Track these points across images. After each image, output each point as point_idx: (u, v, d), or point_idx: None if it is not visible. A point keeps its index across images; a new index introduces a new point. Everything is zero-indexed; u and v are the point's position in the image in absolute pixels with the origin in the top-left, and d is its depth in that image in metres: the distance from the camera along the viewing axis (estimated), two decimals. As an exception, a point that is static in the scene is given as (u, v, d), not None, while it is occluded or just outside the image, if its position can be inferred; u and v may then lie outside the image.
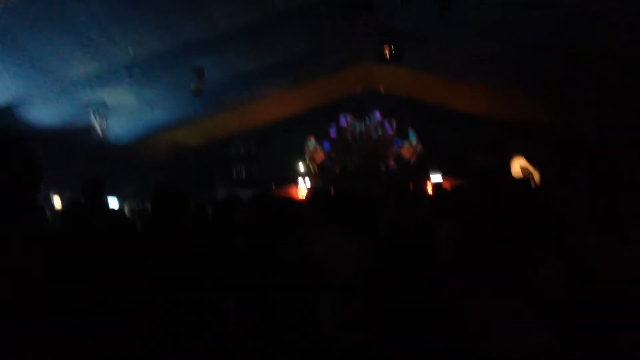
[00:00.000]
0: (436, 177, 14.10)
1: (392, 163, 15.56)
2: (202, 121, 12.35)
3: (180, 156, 13.78)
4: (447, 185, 12.66)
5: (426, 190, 12.36)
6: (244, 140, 15.35)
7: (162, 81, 8.89)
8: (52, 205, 8.80)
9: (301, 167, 15.42)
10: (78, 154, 9.90)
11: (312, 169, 15.49)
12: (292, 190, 14.24)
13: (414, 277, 3.09)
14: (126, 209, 9.57)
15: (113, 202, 9.99)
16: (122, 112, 9.63)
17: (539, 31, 7.70)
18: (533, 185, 9.28)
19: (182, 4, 6.69)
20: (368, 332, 2.89)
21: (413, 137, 15.42)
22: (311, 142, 15.69)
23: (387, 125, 15.72)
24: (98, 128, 8.86)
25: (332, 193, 6.97)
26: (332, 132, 15.90)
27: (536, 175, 12.10)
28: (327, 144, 15.86)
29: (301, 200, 10.07)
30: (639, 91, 8.41)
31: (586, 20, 7.00)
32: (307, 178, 14.87)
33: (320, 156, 15.72)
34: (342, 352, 2.85)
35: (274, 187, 14.14)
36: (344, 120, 15.87)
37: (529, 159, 12.82)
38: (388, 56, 9.41)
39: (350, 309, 2.93)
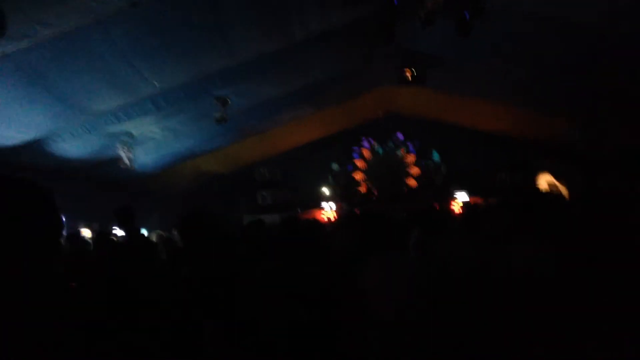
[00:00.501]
0: (462, 196, 13.98)
1: (415, 184, 15.50)
2: (226, 148, 12.49)
3: (206, 184, 13.94)
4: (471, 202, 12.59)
5: (452, 210, 12.30)
6: (269, 166, 15.47)
7: (187, 111, 9.01)
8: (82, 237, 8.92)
9: (325, 191, 15.44)
10: (106, 185, 10.08)
11: (336, 193, 15.50)
12: (317, 214, 14.24)
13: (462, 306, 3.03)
14: (154, 237, 9.66)
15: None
16: (147, 142, 9.78)
17: (561, 52, 7.66)
18: (564, 199, 9.15)
19: (204, 36, 6.81)
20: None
21: (437, 157, 15.37)
22: (335, 166, 15.74)
23: (410, 147, 15.71)
24: (125, 159, 8.99)
25: (358, 214, 6.93)
26: (356, 155, 15.95)
27: (564, 191, 11.93)
28: (350, 167, 15.90)
29: (328, 223, 10.10)
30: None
31: (608, 43, 6.96)
32: (331, 202, 14.86)
33: (344, 179, 15.75)
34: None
35: (299, 212, 14.17)
36: (367, 143, 15.92)
37: (554, 176, 12.67)
38: (410, 79, 9.44)
39: (397, 342, 2.88)
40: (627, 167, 9.80)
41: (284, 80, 9.25)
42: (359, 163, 16.00)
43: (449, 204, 13.50)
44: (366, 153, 15.99)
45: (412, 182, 15.60)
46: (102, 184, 10.17)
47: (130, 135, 8.99)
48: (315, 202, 15.05)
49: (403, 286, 3.00)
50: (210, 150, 12.02)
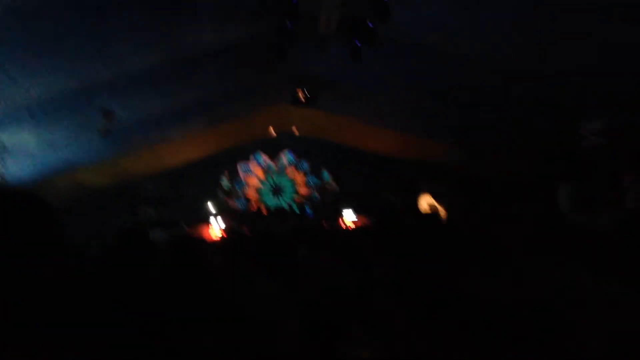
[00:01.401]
0: (349, 215, 14.31)
1: (305, 202, 15.68)
2: (110, 162, 11.89)
3: (86, 198, 13.15)
4: (359, 223, 12.94)
5: (340, 227, 12.57)
6: (156, 181, 14.90)
7: (67, 122, 8.47)
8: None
9: (213, 207, 15.15)
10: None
11: (225, 209, 15.27)
12: (204, 230, 13.94)
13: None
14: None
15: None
16: (22, 154, 9.08)
17: (443, 81, 8.13)
18: (440, 221, 9.62)
19: (88, 43, 6.46)
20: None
21: (327, 177, 15.65)
22: (225, 182, 15.52)
23: (300, 165, 15.88)
24: (-6, 171, 8.30)
25: (247, 234, 6.86)
26: (246, 172, 15.85)
27: (442, 212, 12.59)
28: (239, 184, 15.76)
29: (215, 242, 9.91)
30: (538, 135, 9.02)
31: (488, 70, 7.48)
32: (219, 218, 14.59)
33: (233, 196, 15.58)
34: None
35: (185, 228, 13.78)
36: (258, 161, 15.89)
37: (436, 197, 13.37)
38: (302, 100, 9.57)
39: None
40: (504, 191, 10.55)
41: (175, 94, 8.99)
42: (250, 180, 15.90)
43: (338, 222, 13.79)
44: (257, 170, 15.94)
45: (301, 201, 15.75)
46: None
47: (2, 146, 8.29)
48: (203, 218, 14.70)
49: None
50: (92, 163, 11.37)
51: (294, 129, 14.44)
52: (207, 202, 15.09)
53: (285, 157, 15.94)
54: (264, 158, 15.92)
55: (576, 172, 8.57)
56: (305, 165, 15.87)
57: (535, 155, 9.83)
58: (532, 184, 9.82)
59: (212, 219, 14.51)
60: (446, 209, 12.84)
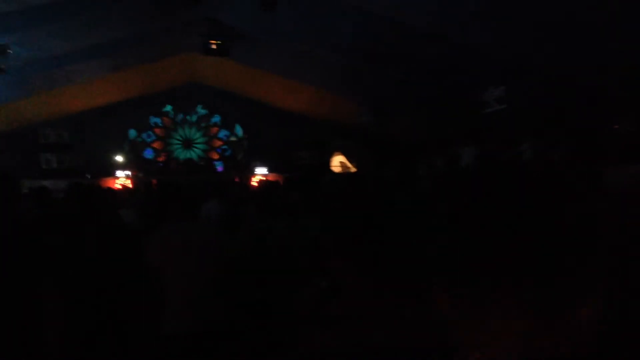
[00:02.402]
0: (261, 171, 14.27)
1: (216, 156, 15.44)
2: (6, 105, 11.07)
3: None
4: (272, 180, 12.92)
5: (251, 184, 12.49)
6: (56, 127, 14.02)
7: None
8: None
9: (120, 158, 14.56)
10: None
11: (132, 161, 14.73)
12: (110, 183, 13.39)
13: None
14: None
15: None
16: None
17: (362, 41, 8.14)
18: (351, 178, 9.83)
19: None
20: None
21: (239, 131, 15.44)
22: (132, 132, 14.93)
23: (212, 118, 15.57)
24: None
25: (154, 185, 6.70)
26: (155, 123, 15.34)
27: (353, 171, 12.88)
28: (149, 135, 15.23)
29: (120, 190, 9.57)
30: (445, 99, 9.31)
31: (404, 34, 7.57)
32: (126, 171, 14.05)
33: (141, 147, 15.05)
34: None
35: (89, 178, 13.16)
36: (168, 111, 15.41)
37: (347, 156, 13.62)
38: (213, 49, 9.30)
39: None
40: (409, 154, 10.87)
41: (77, 34, 8.44)
42: (159, 131, 15.40)
43: (249, 179, 13.67)
44: (166, 121, 15.45)
45: (213, 155, 15.49)
46: None
47: None
48: (109, 169, 14.10)
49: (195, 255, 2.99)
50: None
51: (206, 79, 14.10)
52: (113, 152, 14.47)
53: (197, 110, 15.52)
54: (175, 110, 15.43)
55: (478, 136, 8.97)
56: (218, 118, 15.56)
57: (442, 119, 10.15)
58: (437, 146, 10.19)
59: (119, 171, 13.97)
60: (356, 167, 13.16)
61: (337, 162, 13.75)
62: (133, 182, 13.32)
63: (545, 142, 7.62)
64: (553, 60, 6.93)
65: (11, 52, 7.91)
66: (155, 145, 15.32)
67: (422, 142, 10.91)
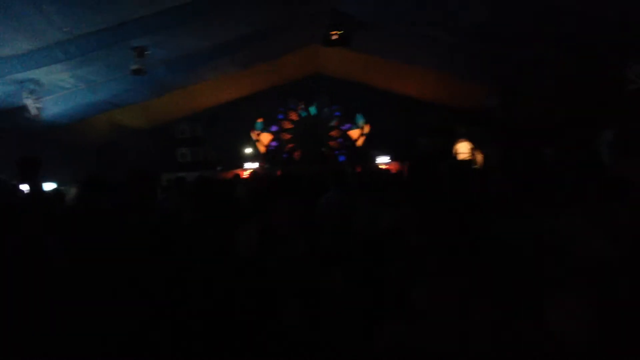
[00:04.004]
0: (383, 160, 14.21)
1: (338, 146, 15.59)
2: (145, 103, 11.98)
3: (122, 138, 13.38)
4: (393, 169, 12.82)
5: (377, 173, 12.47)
6: (190, 123, 15.00)
7: (101, 60, 8.50)
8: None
9: (248, 150, 15.23)
10: (11, 134, 9.48)
11: (259, 152, 15.34)
12: (239, 174, 14.04)
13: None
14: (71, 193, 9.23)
15: (51, 187, 9.56)
16: (58, 91, 9.21)
17: (484, 20, 7.77)
18: (475, 167, 9.46)
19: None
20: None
21: (360, 120, 15.47)
22: (259, 125, 15.51)
23: (334, 109, 15.73)
24: (31, 107, 8.42)
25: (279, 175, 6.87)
26: (280, 116, 15.81)
27: (479, 158, 12.38)
28: (275, 128, 15.74)
29: (244, 181, 9.99)
30: (580, 78, 8.65)
31: (530, 10, 7.12)
32: (254, 162, 14.68)
33: (268, 139, 15.58)
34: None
35: (220, 171, 13.92)
36: (292, 104, 15.80)
37: (473, 143, 13.11)
38: (335, 40, 9.32)
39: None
40: (542, 137, 10.22)
41: (207, 33, 8.88)
42: (284, 124, 15.87)
43: (372, 167, 13.67)
44: (291, 114, 15.87)
45: (335, 145, 15.67)
46: (7, 132, 9.52)
47: (37, 83, 8.40)
48: (238, 162, 14.81)
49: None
50: (128, 103, 11.47)
51: (327, 71, 14.24)
52: (241, 145, 15.16)
53: (319, 100, 15.76)
54: (298, 101, 15.80)
55: (619, 118, 8.23)
56: (340, 109, 15.69)
57: (577, 100, 9.44)
58: (572, 130, 9.50)
59: (246, 163, 14.61)
60: (483, 154, 12.64)
61: (462, 149, 13.30)
62: (259, 173, 13.86)
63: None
64: None
65: (149, 53, 8.53)
66: (281, 137, 15.80)
67: (553, 126, 10.22)
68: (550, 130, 10.16)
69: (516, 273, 2.34)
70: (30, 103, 8.39)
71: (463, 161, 11.15)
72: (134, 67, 8.41)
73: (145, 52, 8.42)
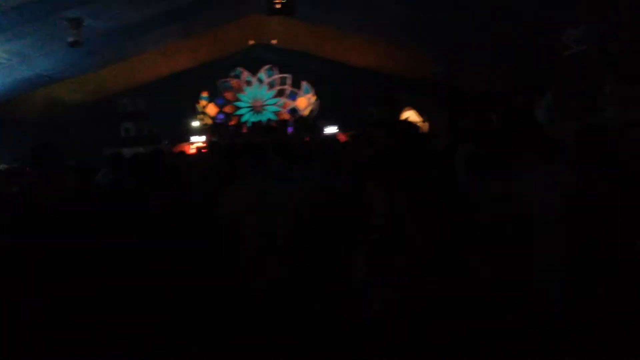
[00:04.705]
0: (331, 130, 14.25)
1: (287, 117, 15.51)
2: (85, 77, 11.59)
3: (62, 114, 12.91)
4: (342, 138, 12.89)
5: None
6: (133, 97, 14.58)
7: (35, 33, 8.16)
8: None
9: (194, 124, 14.98)
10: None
11: (206, 125, 15.11)
12: (185, 148, 13.83)
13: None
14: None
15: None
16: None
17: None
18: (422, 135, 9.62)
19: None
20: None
21: (308, 91, 15.42)
22: (204, 97, 15.25)
23: (281, 79, 15.61)
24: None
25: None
26: (225, 87, 15.58)
27: (425, 127, 12.60)
28: (220, 100, 15.51)
29: (195, 154, 9.87)
30: (519, 45, 8.86)
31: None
32: (201, 136, 14.45)
33: (214, 111, 15.35)
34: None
35: (167, 145, 13.66)
36: (238, 75, 15.59)
37: (419, 111, 13.31)
38: (279, 8, 9.17)
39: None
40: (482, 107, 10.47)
41: (144, 2, 8.62)
42: (229, 95, 15.64)
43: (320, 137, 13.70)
44: (236, 85, 15.66)
45: (283, 116, 15.59)
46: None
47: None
48: (185, 135, 14.57)
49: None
50: (66, 77, 11.06)
51: (273, 41, 14.08)
52: (186, 118, 14.90)
53: (265, 72, 15.62)
54: (243, 73, 15.60)
55: (557, 82, 8.49)
56: (286, 79, 15.59)
57: (517, 67, 9.69)
58: (514, 96, 9.76)
59: (193, 137, 14.38)
60: (429, 122, 12.87)
61: (407, 117, 13.50)
62: (207, 146, 13.68)
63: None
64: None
65: (85, 24, 8.23)
66: (227, 109, 15.58)
67: (496, 93, 10.46)
68: (494, 96, 10.40)
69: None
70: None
71: (410, 123, 11.30)
72: (70, 39, 8.10)
73: (82, 24, 8.12)
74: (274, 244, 3.03)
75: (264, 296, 2.90)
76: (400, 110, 13.86)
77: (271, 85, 15.67)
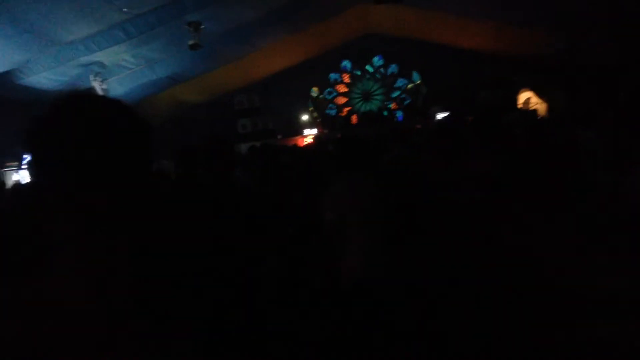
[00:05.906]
0: (442, 116, 13.94)
1: (395, 106, 15.43)
2: (203, 77, 12.24)
3: (185, 114, 13.74)
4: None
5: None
6: (247, 94, 15.20)
7: (159, 38, 8.75)
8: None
9: (305, 117, 15.35)
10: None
11: (316, 118, 15.42)
12: (298, 141, 14.20)
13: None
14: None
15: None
16: (121, 72, 9.56)
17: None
18: (539, 117, 9.18)
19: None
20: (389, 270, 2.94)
21: (417, 78, 15.23)
22: (314, 92, 15.56)
23: (389, 68, 15.54)
24: (98, 89, 8.80)
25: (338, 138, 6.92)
26: (335, 79, 15.78)
27: (543, 108, 11.97)
28: (330, 92, 15.74)
29: (306, 148, 10.11)
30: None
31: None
32: (313, 129, 14.80)
33: (324, 104, 15.63)
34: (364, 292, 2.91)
35: (279, 139, 14.11)
36: (346, 68, 15.72)
37: (536, 92, 12.66)
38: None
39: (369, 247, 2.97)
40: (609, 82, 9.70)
41: (256, 1, 8.96)
42: (339, 88, 15.83)
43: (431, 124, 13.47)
44: (345, 77, 15.81)
45: (393, 105, 15.53)
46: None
47: (101, 65, 8.75)
48: (297, 129, 14.98)
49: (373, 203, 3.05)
50: (187, 78, 11.77)
51: (379, 29, 13.99)
52: (300, 113, 15.30)
53: (374, 62, 15.61)
54: (352, 64, 15.71)
55: None
56: (395, 67, 15.49)
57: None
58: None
59: (305, 130, 14.75)
60: (547, 103, 12.21)
61: (524, 99, 12.88)
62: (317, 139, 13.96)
63: None
64: None
65: (204, 27, 8.70)
66: (337, 101, 15.80)
67: (623, 66, 9.64)
68: (620, 69, 9.60)
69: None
70: (96, 85, 8.76)
71: (528, 112, 10.79)
72: (191, 42, 8.61)
73: (200, 27, 8.59)
74: (376, 239, 3.01)
75: (365, 295, 2.88)
76: (517, 92, 13.27)
77: (379, 75, 15.65)
